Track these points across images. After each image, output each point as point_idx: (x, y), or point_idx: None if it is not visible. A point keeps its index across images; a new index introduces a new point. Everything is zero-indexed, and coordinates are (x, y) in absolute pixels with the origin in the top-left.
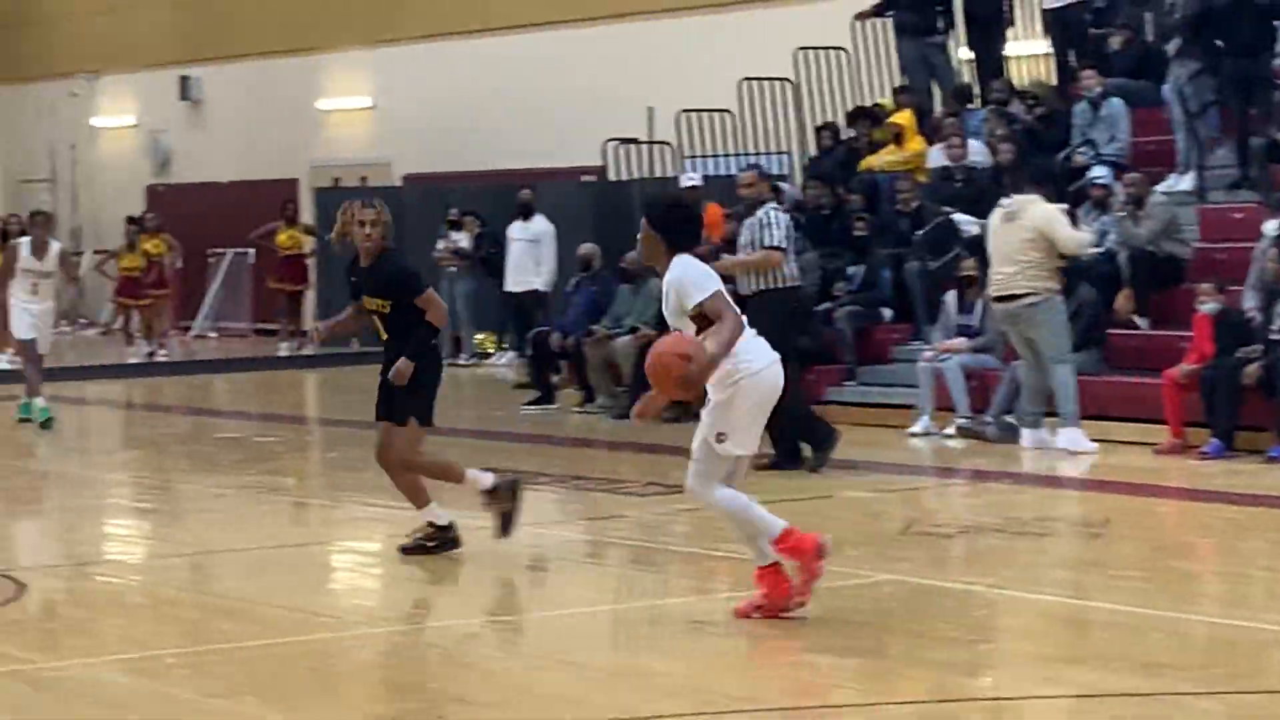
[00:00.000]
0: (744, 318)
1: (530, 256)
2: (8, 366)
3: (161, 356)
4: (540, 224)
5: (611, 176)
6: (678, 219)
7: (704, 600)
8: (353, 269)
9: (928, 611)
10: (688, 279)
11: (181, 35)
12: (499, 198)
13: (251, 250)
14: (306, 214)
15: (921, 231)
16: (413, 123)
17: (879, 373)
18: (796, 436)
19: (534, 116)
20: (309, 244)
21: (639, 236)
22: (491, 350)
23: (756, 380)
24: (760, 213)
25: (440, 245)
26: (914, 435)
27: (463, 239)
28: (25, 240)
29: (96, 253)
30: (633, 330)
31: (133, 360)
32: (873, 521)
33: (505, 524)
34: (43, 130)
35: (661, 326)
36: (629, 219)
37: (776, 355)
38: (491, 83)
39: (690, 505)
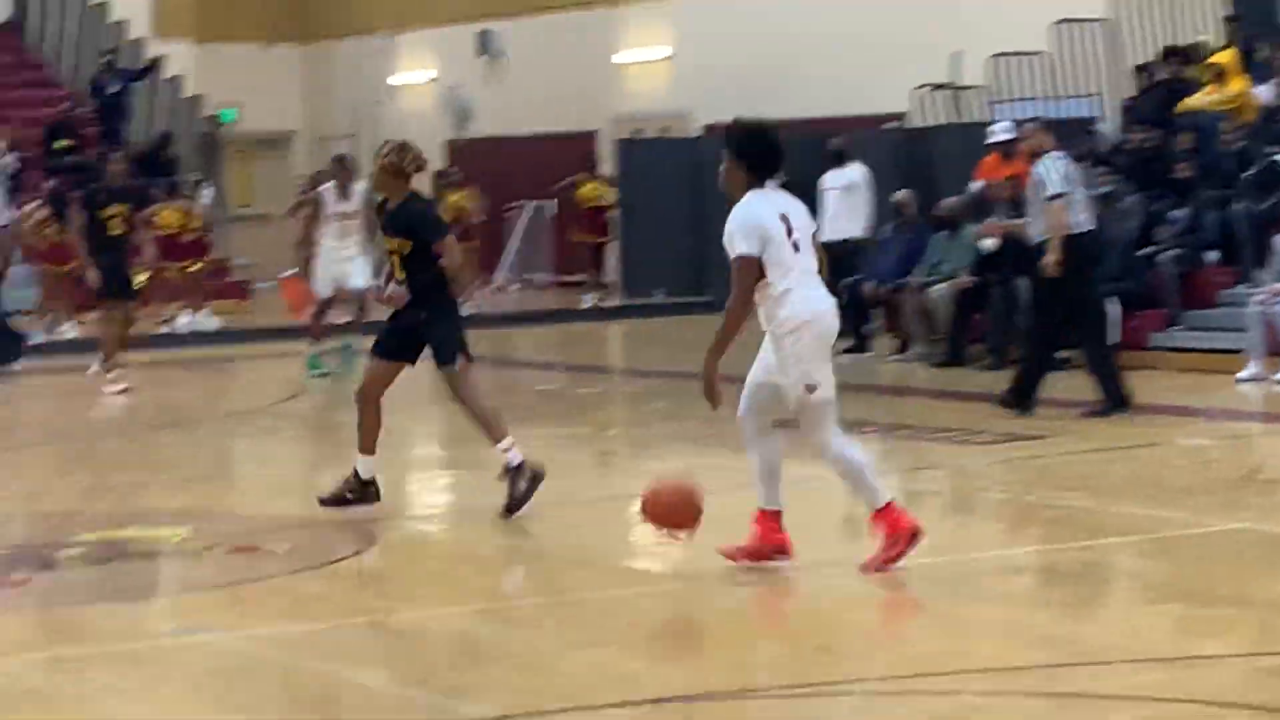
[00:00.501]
0: (792, 281)
1: (845, 204)
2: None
3: (467, 309)
4: (855, 171)
5: (917, 123)
6: (759, 148)
7: (1053, 550)
8: (380, 209)
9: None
10: (734, 225)
11: None
12: (800, 146)
13: (552, 203)
14: (607, 166)
15: (1248, 173)
16: (712, 72)
17: (1204, 317)
18: (1111, 379)
19: (834, 64)
20: (610, 196)
21: (722, 166)
22: None
23: (810, 328)
24: (1039, 165)
25: None
26: (1243, 380)
27: None
28: (328, 186)
29: None
30: (949, 277)
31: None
32: (1208, 469)
33: (512, 507)
34: (345, 88)
35: (980, 272)
36: (936, 167)
37: (831, 303)
38: (791, 29)
39: (1027, 453)
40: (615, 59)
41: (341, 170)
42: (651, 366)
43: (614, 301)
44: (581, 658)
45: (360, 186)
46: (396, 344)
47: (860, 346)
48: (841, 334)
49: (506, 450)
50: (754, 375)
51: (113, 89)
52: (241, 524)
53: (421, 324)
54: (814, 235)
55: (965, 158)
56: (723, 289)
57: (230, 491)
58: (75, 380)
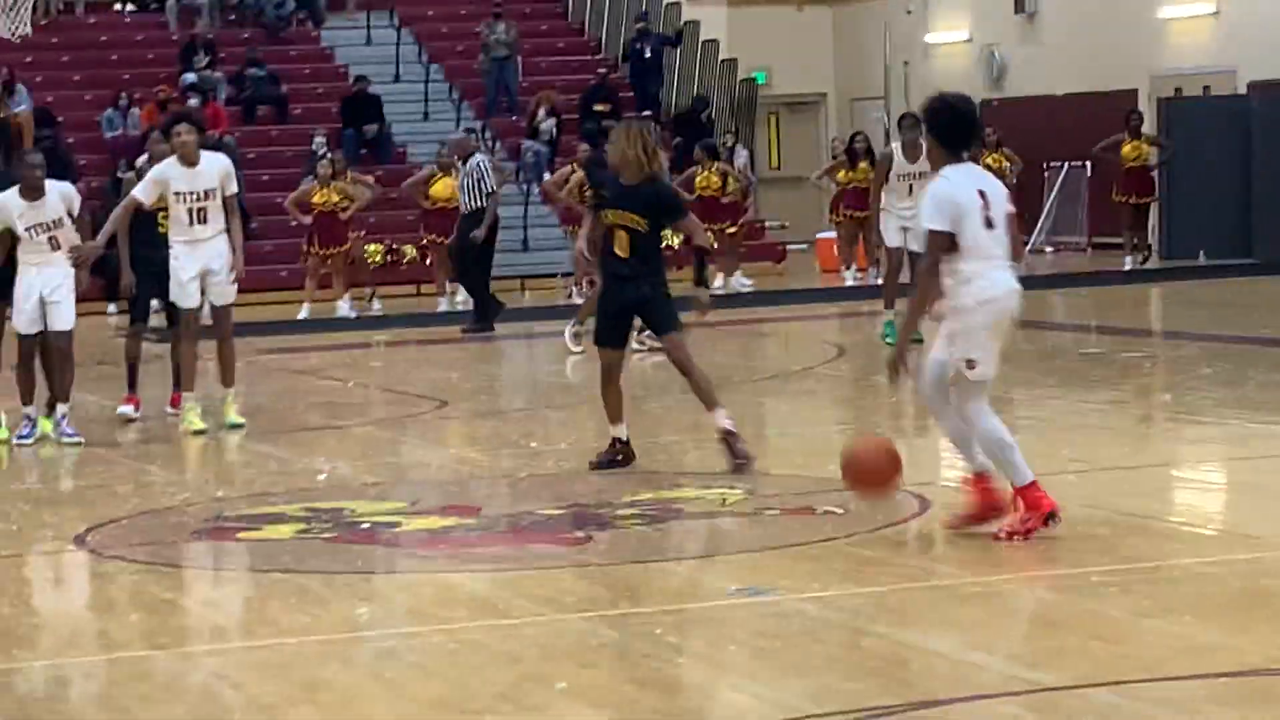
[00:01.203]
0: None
1: None
2: (854, 282)
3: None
4: None
5: None
6: (947, 122)
7: None
8: (604, 182)
9: None
10: (929, 199)
11: None
12: None
13: (1088, 163)
14: (1148, 125)
15: None
16: (1258, 28)
17: None
18: None
19: None
20: (1152, 156)
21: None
22: None
23: (987, 308)
24: None
25: None
26: None
27: None
28: (897, 145)
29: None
30: None
31: None
32: None
33: (740, 467)
34: (877, 48)
35: None
36: None
37: (1014, 285)
38: None
39: None
40: (1158, 14)
41: (907, 130)
42: (1198, 330)
43: (1154, 264)
44: (1154, 627)
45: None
46: (617, 329)
47: None
48: None
49: (724, 418)
50: (933, 351)
51: (647, 54)
52: (792, 486)
53: (644, 299)
54: (1009, 216)
55: None
56: (1269, 250)
57: (777, 454)
58: None
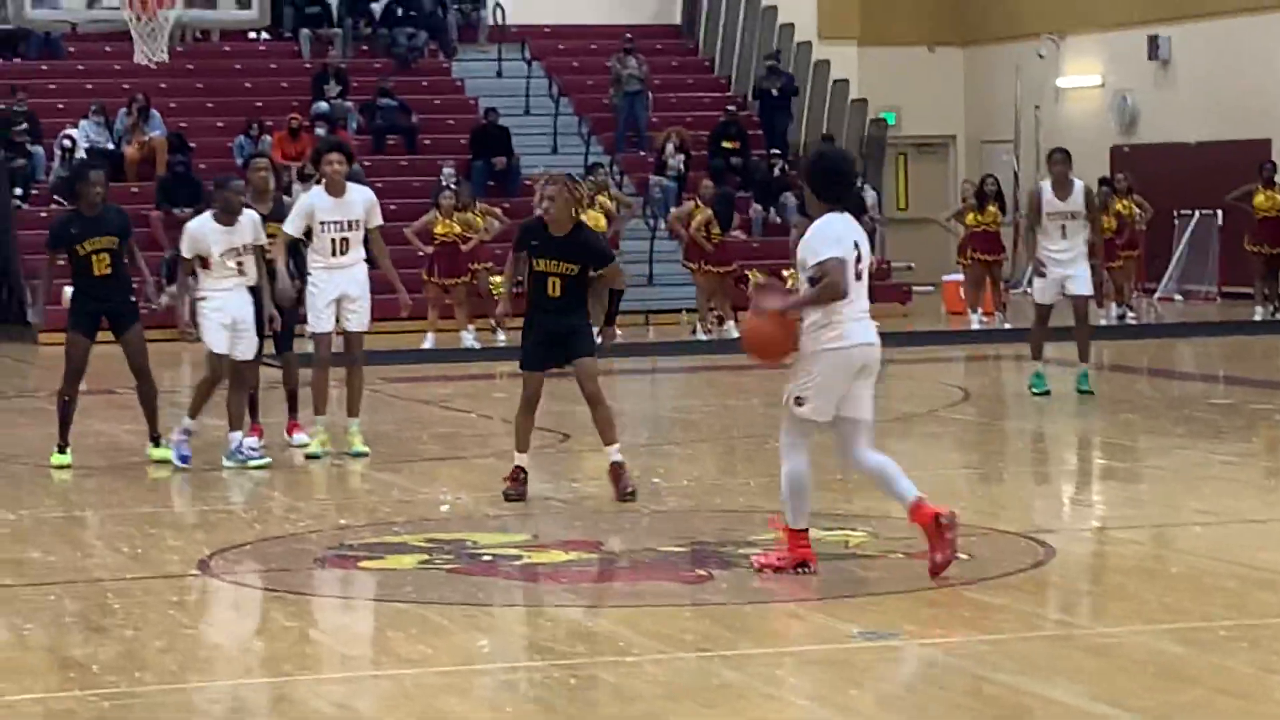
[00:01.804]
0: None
1: None
2: (980, 326)
3: (1130, 319)
4: None
5: None
6: (823, 173)
7: None
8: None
9: None
10: (816, 235)
11: None
12: None
13: (1219, 211)
14: None
15: None
16: None
17: None
18: None
19: None
20: None
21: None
22: None
23: (833, 354)
24: None
25: None
26: None
27: None
28: (1046, 183)
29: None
30: None
31: (1101, 322)
32: None
33: (625, 498)
34: (1007, 91)
35: None
36: None
37: (872, 339)
38: None
39: None
40: None
41: (1056, 165)
42: None
43: None
44: (1277, 682)
45: (1079, 185)
46: (545, 355)
47: None
48: None
49: (616, 453)
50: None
51: (775, 92)
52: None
53: (569, 331)
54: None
55: None
56: None
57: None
58: (742, 378)
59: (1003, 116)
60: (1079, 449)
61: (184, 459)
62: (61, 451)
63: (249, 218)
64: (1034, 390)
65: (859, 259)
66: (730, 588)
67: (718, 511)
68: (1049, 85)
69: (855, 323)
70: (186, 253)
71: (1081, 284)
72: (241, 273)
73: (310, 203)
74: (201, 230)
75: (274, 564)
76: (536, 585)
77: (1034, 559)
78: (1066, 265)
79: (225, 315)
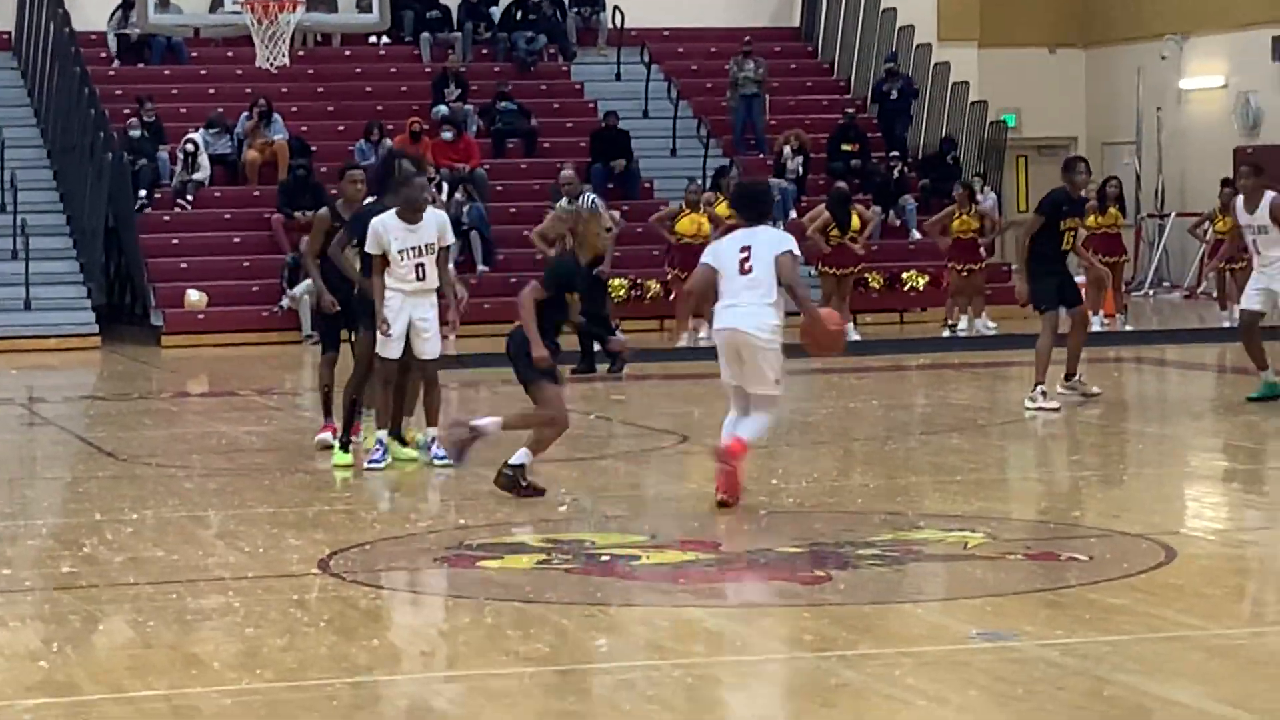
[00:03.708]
0: None
1: None
2: (1100, 328)
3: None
4: None
5: None
6: (739, 196)
7: None
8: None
9: None
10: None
11: None
12: None
13: None
14: None
15: None
16: None
17: None
18: None
19: None
20: None
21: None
22: None
23: (715, 335)
24: None
25: None
26: None
27: None
28: (1239, 199)
29: (1181, 215)
30: None
31: (1226, 324)
32: None
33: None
34: (1129, 93)
35: None
36: None
37: (733, 324)
38: None
39: None
40: None
41: (1245, 179)
42: None
43: None
44: None
45: (1269, 198)
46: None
47: None
48: None
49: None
50: None
51: (894, 95)
52: (1036, 530)
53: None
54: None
55: None
56: None
57: (1020, 497)
58: (864, 381)
59: (1124, 118)
60: (1202, 451)
61: (438, 459)
62: (345, 449)
63: (434, 216)
64: (1252, 398)
65: (747, 260)
66: (848, 588)
67: (836, 512)
68: (1171, 86)
69: (723, 310)
70: (370, 249)
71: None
72: (420, 276)
73: (384, 225)
74: (385, 225)
75: (393, 563)
76: (655, 585)
77: (1155, 560)
78: (1273, 278)
79: (400, 318)
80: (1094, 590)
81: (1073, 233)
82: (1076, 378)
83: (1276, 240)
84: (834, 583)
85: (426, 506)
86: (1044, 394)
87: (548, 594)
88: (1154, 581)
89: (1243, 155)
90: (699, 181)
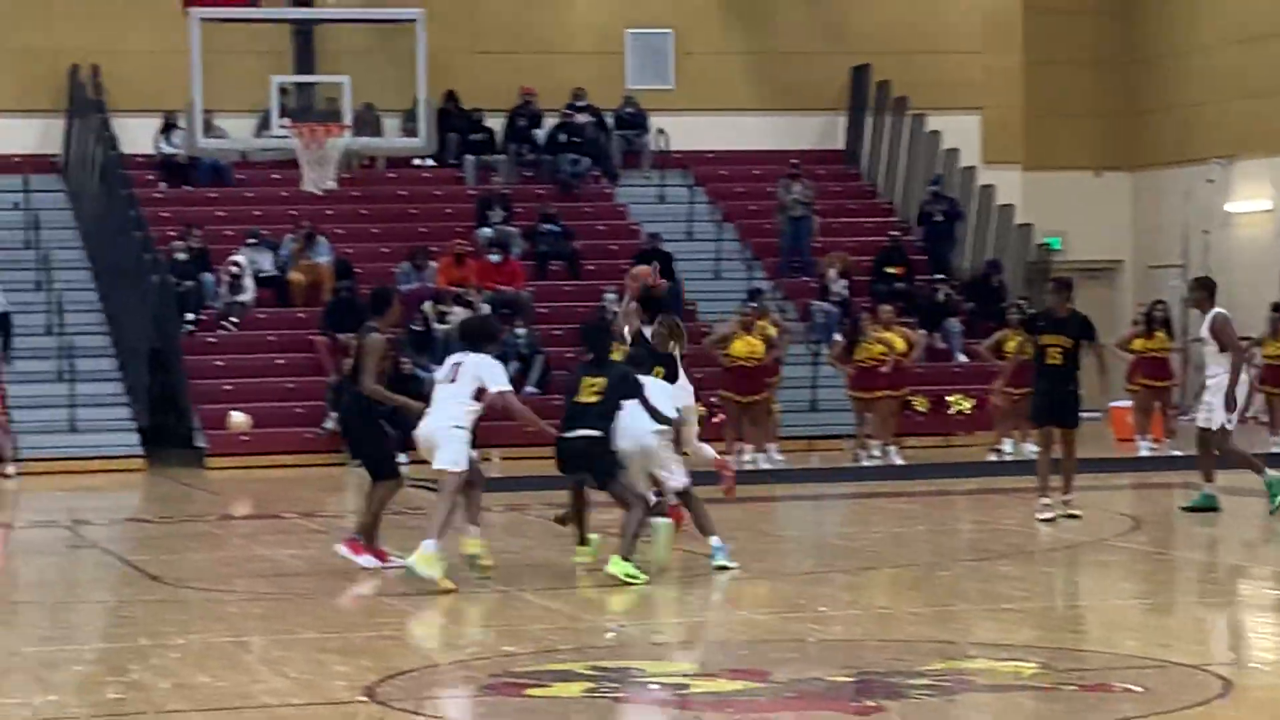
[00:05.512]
0: None
1: None
2: (1149, 453)
3: None
4: None
5: None
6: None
7: None
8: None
9: None
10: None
11: None
12: None
13: None
14: None
15: None
16: None
17: None
18: None
19: None
20: None
21: None
22: None
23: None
24: None
25: None
26: None
27: None
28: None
29: None
30: None
31: (1275, 449)
32: None
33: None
34: (1175, 215)
35: None
36: None
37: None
38: None
39: None
40: None
41: None
42: None
43: None
44: None
45: None
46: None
47: None
48: None
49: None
50: None
51: (938, 217)
52: (1089, 660)
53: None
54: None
55: None
56: None
57: (1073, 625)
58: (911, 505)
59: (1170, 241)
60: (1254, 579)
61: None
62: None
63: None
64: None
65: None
66: (900, 718)
67: (885, 640)
68: (1218, 210)
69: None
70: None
71: None
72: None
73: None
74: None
75: (441, 691)
76: (704, 714)
77: (1212, 693)
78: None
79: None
80: None
81: (1058, 349)
82: (1065, 498)
83: None
84: (885, 713)
85: (472, 632)
86: (1045, 505)
87: None
88: (1211, 716)
89: None
90: (752, 304)
